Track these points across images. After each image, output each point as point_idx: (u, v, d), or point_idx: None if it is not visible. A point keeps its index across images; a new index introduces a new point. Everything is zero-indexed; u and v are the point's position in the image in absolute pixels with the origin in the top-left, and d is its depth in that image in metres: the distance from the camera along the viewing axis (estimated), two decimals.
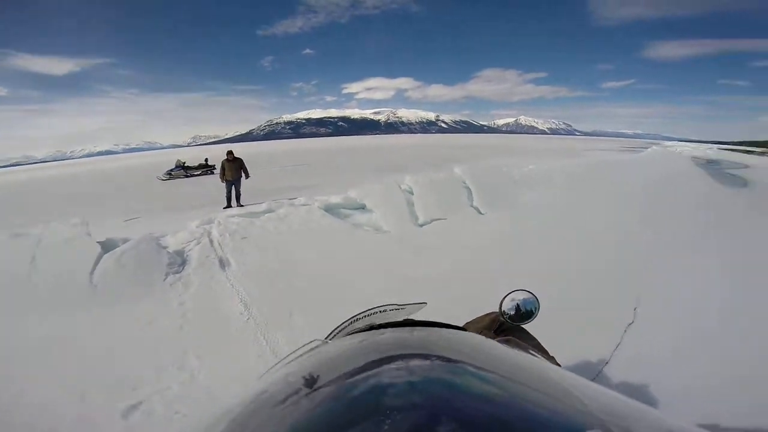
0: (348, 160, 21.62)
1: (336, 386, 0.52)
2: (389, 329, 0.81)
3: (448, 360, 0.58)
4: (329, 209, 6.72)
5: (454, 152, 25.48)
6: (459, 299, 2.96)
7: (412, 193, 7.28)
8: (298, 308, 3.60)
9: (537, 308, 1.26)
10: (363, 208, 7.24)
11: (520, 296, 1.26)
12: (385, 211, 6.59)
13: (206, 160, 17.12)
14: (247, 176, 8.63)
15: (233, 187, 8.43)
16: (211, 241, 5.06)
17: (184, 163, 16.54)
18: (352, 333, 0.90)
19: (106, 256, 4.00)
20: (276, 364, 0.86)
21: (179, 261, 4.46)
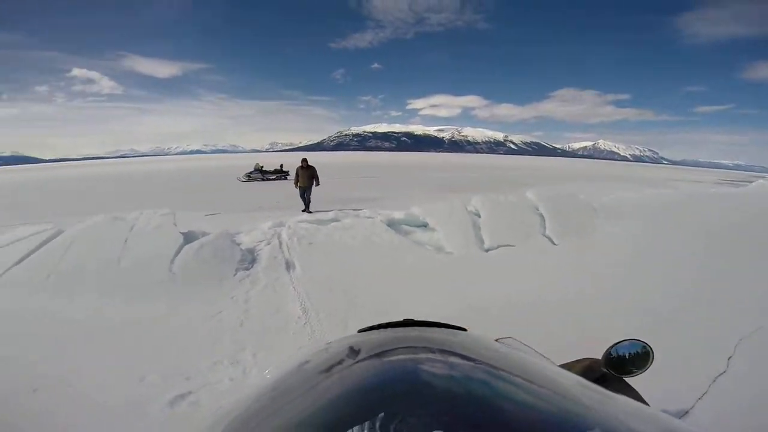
0: (412, 176, 21.71)
1: (332, 385, 0.52)
2: (389, 329, 0.80)
3: (448, 360, 0.58)
4: (392, 224, 6.67)
5: (524, 174, 24.25)
6: (524, 335, 2.62)
7: (479, 215, 6.94)
8: (354, 319, 3.52)
9: (650, 360, 1.12)
10: (425, 226, 7.09)
11: (632, 346, 1.13)
12: (449, 232, 6.35)
13: (281, 166, 18.36)
14: (317, 184, 9.11)
15: (305, 193, 8.91)
16: (280, 243, 5.26)
17: (262, 167, 17.93)
18: (360, 332, 0.90)
19: (186, 247, 4.34)
20: (274, 366, 0.86)
21: (250, 259, 4.69)
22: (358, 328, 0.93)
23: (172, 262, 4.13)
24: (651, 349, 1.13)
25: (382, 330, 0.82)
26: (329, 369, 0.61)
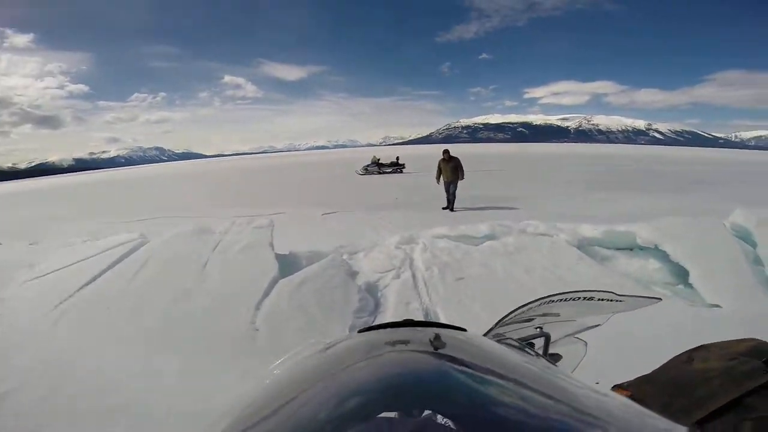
0: (544, 169, 17.87)
1: (331, 386, 0.51)
2: (389, 329, 0.77)
3: (448, 361, 0.56)
4: (582, 245, 4.17)
5: (705, 169, 17.77)
6: None
7: (750, 240, 3.89)
8: None
9: None
10: (631, 250, 4.37)
11: None
12: (706, 267, 3.53)
13: (397, 158, 17.02)
14: (462, 177, 7.45)
15: (449, 188, 7.46)
16: (414, 277, 3.36)
17: (379, 159, 16.84)
18: (360, 332, 0.84)
19: (282, 282, 2.77)
20: (274, 366, 0.78)
21: (371, 305, 2.90)
22: (359, 329, 0.84)
23: (257, 308, 2.58)
24: None
25: (382, 330, 0.77)
26: (329, 369, 0.60)
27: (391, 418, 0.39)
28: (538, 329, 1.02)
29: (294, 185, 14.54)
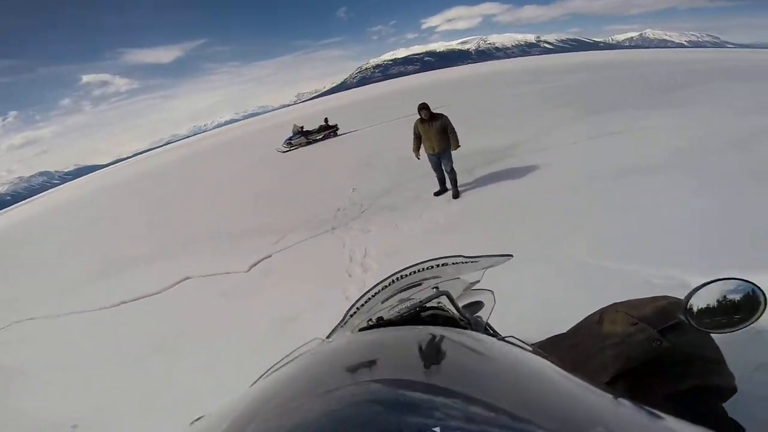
0: (495, 95, 15.68)
1: (333, 388, 0.50)
2: (389, 328, 0.78)
3: (447, 359, 0.57)
4: None
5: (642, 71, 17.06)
6: None
7: None
8: None
9: (760, 312, 0.74)
10: None
11: (731, 289, 0.76)
12: None
13: (326, 120, 13.48)
14: (457, 143, 4.65)
15: (440, 163, 4.76)
16: None
17: (302, 127, 13.13)
18: (361, 330, 0.86)
19: None
20: (274, 365, 0.79)
21: None
22: (359, 327, 0.88)
23: None
24: (764, 294, 0.74)
25: (381, 329, 0.80)
26: (328, 369, 0.61)
27: (391, 417, 0.39)
28: (434, 289, 1.05)
29: (195, 194, 10.10)
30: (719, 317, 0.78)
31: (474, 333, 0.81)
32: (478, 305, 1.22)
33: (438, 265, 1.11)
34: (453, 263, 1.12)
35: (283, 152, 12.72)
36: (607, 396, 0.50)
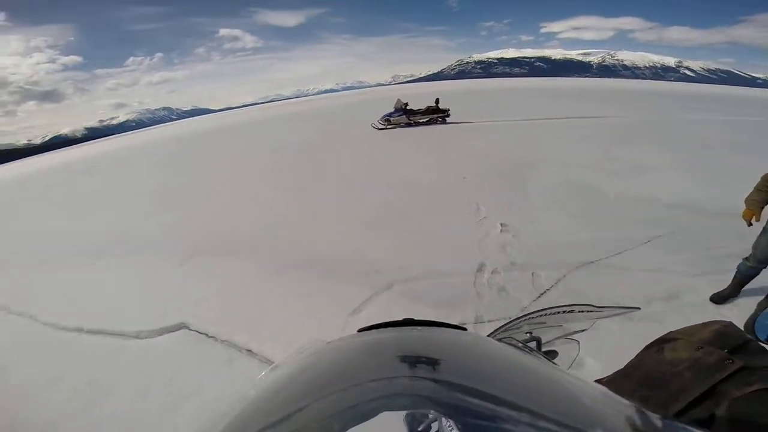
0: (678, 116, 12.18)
1: (334, 388, 0.50)
2: (389, 329, 0.76)
3: (447, 360, 0.57)
4: None
5: None
6: None
7: None
8: None
9: None
10: None
11: None
12: None
13: (437, 101, 11.29)
14: None
15: None
16: None
17: (406, 104, 11.20)
18: (360, 331, 0.82)
19: None
20: (274, 365, 0.76)
21: None
22: (358, 328, 0.82)
23: None
24: None
25: (381, 329, 0.76)
26: (328, 369, 0.61)
27: (390, 417, 0.39)
28: (528, 334, 1.10)
29: (268, 174, 7.71)
30: None
31: (474, 333, 0.79)
32: (563, 349, 1.19)
33: (565, 311, 1.13)
34: (579, 311, 1.14)
35: (379, 129, 10.99)
36: (608, 396, 0.51)
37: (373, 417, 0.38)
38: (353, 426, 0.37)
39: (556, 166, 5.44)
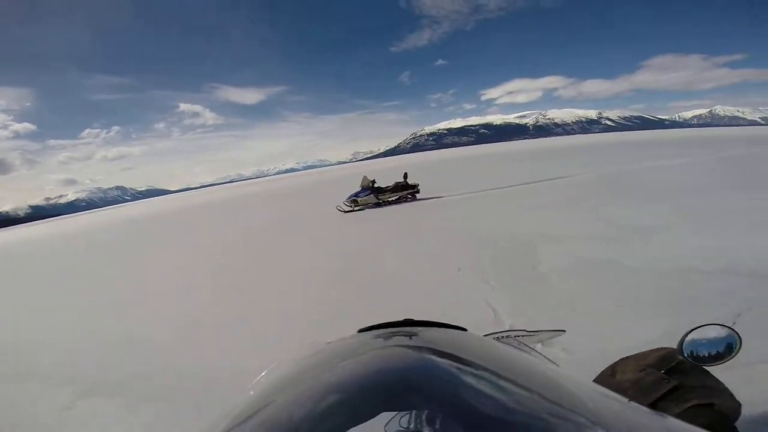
0: (586, 170, 12.60)
1: (333, 388, 0.50)
2: (389, 329, 0.78)
3: (447, 360, 0.56)
4: None
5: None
6: None
7: None
8: None
9: (737, 348, 0.94)
10: None
11: (714, 332, 0.96)
12: None
13: (405, 176, 10.93)
14: None
15: None
16: None
17: (373, 182, 10.77)
18: (360, 331, 0.85)
19: None
20: (275, 365, 0.79)
21: None
22: (358, 328, 0.86)
23: None
24: (738, 335, 0.93)
25: (382, 330, 0.79)
26: (329, 370, 0.60)
27: (390, 418, 0.39)
28: None
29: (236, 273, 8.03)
30: (708, 354, 0.94)
31: (474, 333, 0.81)
32: None
33: (503, 336, 1.17)
34: (515, 336, 1.20)
35: (345, 212, 10.31)
36: (607, 396, 0.50)
37: (373, 417, 0.38)
38: (353, 426, 0.37)
39: (556, 243, 4.76)
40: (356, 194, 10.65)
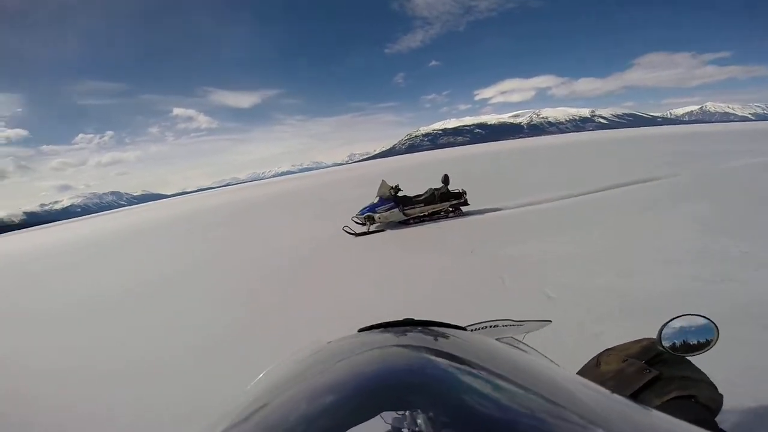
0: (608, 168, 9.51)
1: (333, 387, 0.50)
2: (389, 329, 0.77)
3: (447, 359, 0.55)
4: None
5: None
6: None
7: None
8: None
9: (714, 338, 0.93)
10: None
11: (691, 322, 0.95)
12: None
13: (446, 179, 7.48)
14: None
15: None
16: None
17: (396, 189, 7.46)
18: (361, 331, 0.84)
19: None
20: (275, 364, 0.77)
21: None
22: (359, 328, 0.84)
23: None
24: (715, 324, 0.92)
25: (382, 329, 0.78)
26: (329, 369, 0.59)
27: (390, 417, 0.39)
28: None
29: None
30: (687, 344, 0.92)
31: (472, 333, 0.79)
32: None
33: (491, 326, 1.17)
34: (503, 325, 1.18)
35: (356, 235, 7.04)
36: (607, 396, 0.50)
37: (373, 416, 0.38)
38: (353, 425, 0.37)
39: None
40: (373, 207, 7.33)
